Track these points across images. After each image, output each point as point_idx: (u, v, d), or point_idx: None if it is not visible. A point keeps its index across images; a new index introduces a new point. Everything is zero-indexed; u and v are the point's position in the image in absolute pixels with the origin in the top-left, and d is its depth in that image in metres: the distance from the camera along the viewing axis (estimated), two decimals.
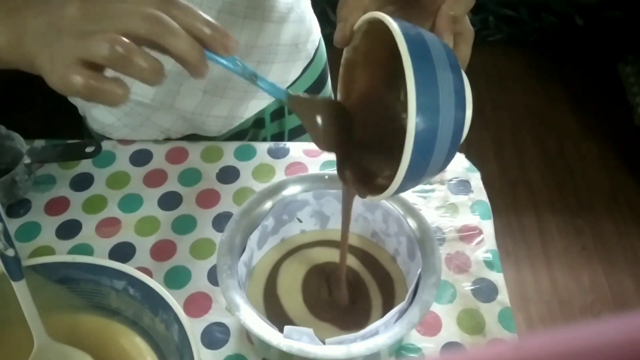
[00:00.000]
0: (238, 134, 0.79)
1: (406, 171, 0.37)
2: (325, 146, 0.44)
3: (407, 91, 0.36)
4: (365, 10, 0.44)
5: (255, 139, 0.82)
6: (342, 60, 0.46)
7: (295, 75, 0.79)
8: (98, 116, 0.74)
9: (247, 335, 0.56)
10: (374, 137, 0.47)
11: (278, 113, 0.81)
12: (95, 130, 0.77)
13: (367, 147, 0.47)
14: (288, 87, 0.79)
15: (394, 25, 0.37)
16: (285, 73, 0.77)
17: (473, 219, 0.65)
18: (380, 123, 0.46)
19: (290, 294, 0.56)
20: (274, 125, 0.82)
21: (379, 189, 0.42)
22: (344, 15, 0.44)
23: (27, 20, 0.40)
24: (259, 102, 0.77)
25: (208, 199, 0.67)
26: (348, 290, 0.56)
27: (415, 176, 0.39)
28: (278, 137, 0.83)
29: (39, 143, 0.72)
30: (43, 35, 0.39)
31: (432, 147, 0.38)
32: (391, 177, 0.39)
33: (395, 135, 0.40)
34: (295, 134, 0.83)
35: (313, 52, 0.80)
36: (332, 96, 0.87)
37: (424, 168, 0.39)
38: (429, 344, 0.55)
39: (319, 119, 0.43)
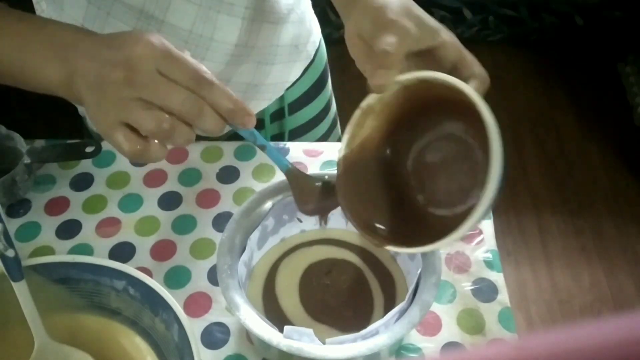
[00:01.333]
0: (238, 134, 0.79)
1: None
2: (302, 212, 0.52)
3: (490, 151, 0.42)
4: (402, 62, 0.46)
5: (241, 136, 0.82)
6: (363, 105, 0.48)
7: (296, 76, 0.79)
8: None
9: (247, 335, 0.56)
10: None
11: (278, 114, 0.81)
12: (96, 131, 0.77)
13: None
14: (289, 88, 0.79)
15: (475, 97, 0.43)
16: (285, 74, 0.77)
17: None
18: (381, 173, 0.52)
19: (288, 294, 0.56)
20: (274, 126, 0.82)
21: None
22: (389, 64, 0.45)
23: (79, 62, 0.43)
24: (258, 103, 0.77)
25: (208, 199, 0.67)
26: (351, 289, 0.56)
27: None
28: (278, 137, 0.83)
29: (39, 143, 0.72)
30: (91, 83, 0.42)
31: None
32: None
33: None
34: (295, 135, 0.83)
35: (313, 52, 0.80)
36: (332, 97, 0.87)
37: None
38: (429, 344, 0.55)
39: (303, 193, 0.51)
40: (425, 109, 0.49)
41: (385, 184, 0.52)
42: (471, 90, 0.43)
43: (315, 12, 0.81)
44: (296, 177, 0.50)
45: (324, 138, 0.87)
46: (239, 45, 0.67)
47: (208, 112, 0.42)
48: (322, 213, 0.52)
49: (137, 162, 0.42)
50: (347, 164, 0.50)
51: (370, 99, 0.48)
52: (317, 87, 0.83)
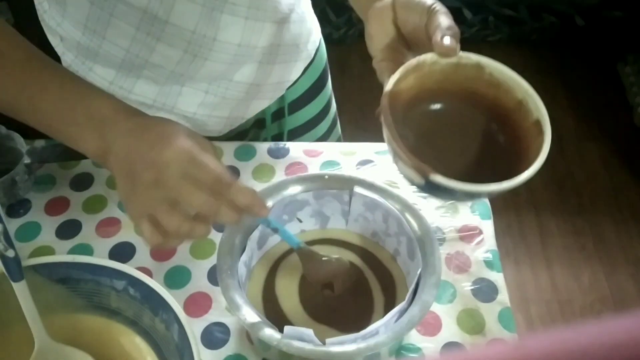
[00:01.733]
0: (239, 134, 0.79)
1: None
2: (312, 282, 0.57)
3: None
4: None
5: (256, 139, 0.82)
6: (420, 58, 0.47)
7: (296, 75, 0.79)
8: None
9: (247, 335, 0.56)
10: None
11: (278, 113, 0.81)
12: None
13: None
14: (289, 88, 0.79)
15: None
16: (286, 73, 0.77)
17: (473, 219, 0.65)
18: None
19: (288, 294, 0.56)
20: (274, 126, 0.82)
21: None
22: (456, 36, 0.47)
23: (116, 144, 0.47)
24: (260, 102, 0.77)
25: None
26: (351, 289, 0.56)
27: None
28: (278, 137, 0.83)
29: (39, 143, 0.72)
30: (125, 172, 0.47)
31: None
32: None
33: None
34: (294, 135, 0.83)
35: (313, 52, 0.80)
36: (332, 96, 0.87)
37: None
38: (429, 344, 0.55)
39: (313, 267, 0.56)
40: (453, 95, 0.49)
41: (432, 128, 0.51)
42: (530, 88, 0.46)
43: (316, 12, 0.81)
44: (306, 254, 0.56)
45: (324, 138, 0.87)
46: (241, 45, 0.67)
47: (224, 211, 0.46)
48: (328, 281, 0.57)
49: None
50: (392, 100, 0.48)
51: (426, 57, 0.47)
52: (317, 87, 0.83)
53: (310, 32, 0.78)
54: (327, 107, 0.86)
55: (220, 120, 0.75)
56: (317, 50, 0.81)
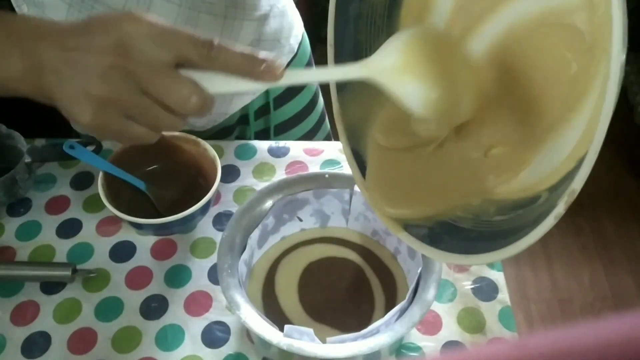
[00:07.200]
0: (224, 130, 0.79)
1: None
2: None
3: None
4: None
5: (242, 134, 0.82)
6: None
7: None
8: None
9: (248, 334, 0.56)
10: None
11: (264, 109, 0.81)
12: (79, 130, 0.77)
13: None
14: None
15: None
16: None
17: None
18: None
19: (288, 293, 0.56)
20: (259, 122, 0.82)
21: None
22: None
23: (44, 53, 0.38)
24: (242, 98, 0.77)
25: None
26: (351, 288, 0.56)
27: None
28: (264, 133, 0.83)
29: (40, 142, 0.72)
30: (63, 69, 0.38)
31: None
32: None
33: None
34: (281, 130, 0.83)
35: (296, 46, 0.79)
36: (319, 91, 0.86)
37: None
38: (430, 343, 0.55)
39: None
40: None
41: None
42: None
43: (316, 11, 0.81)
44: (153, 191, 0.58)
45: (312, 133, 0.86)
46: None
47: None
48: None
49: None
50: None
51: None
52: None
53: (292, 27, 0.78)
54: (314, 101, 0.85)
55: None
56: (300, 44, 0.80)
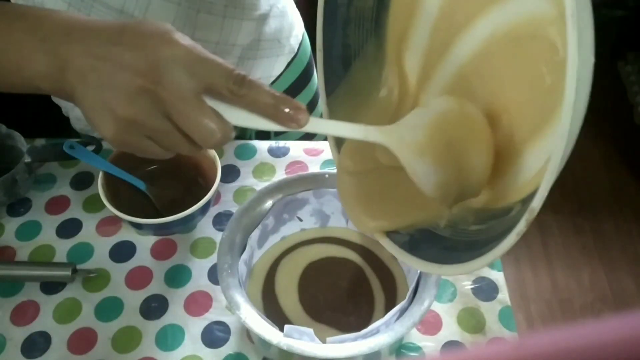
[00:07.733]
0: (238, 136, 0.79)
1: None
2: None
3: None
4: None
5: (243, 135, 0.82)
6: None
7: (280, 70, 0.78)
8: (81, 116, 0.74)
9: (248, 334, 0.56)
10: None
11: None
12: (79, 130, 0.77)
13: None
14: (272, 83, 0.78)
15: None
16: (269, 68, 0.77)
17: None
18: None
19: (288, 293, 0.56)
20: None
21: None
22: None
23: (71, 53, 0.38)
24: None
25: None
26: (351, 288, 0.56)
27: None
28: (264, 134, 0.82)
29: (40, 142, 0.72)
30: (91, 77, 0.37)
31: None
32: None
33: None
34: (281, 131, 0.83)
35: (296, 46, 0.79)
36: (318, 92, 0.87)
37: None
38: (430, 343, 0.55)
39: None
40: None
41: None
42: None
43: (316, 11, 0.81)
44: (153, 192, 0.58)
45: (312, 133, 0.86)
46: (220, 43, 0.67)
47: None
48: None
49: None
50: None
51: None
52: (302, 81, 0.82)
53: (292, 27, 0.78)
54: (314, 101, 0.85)
55: None
56: (301, 44, 0.80)
